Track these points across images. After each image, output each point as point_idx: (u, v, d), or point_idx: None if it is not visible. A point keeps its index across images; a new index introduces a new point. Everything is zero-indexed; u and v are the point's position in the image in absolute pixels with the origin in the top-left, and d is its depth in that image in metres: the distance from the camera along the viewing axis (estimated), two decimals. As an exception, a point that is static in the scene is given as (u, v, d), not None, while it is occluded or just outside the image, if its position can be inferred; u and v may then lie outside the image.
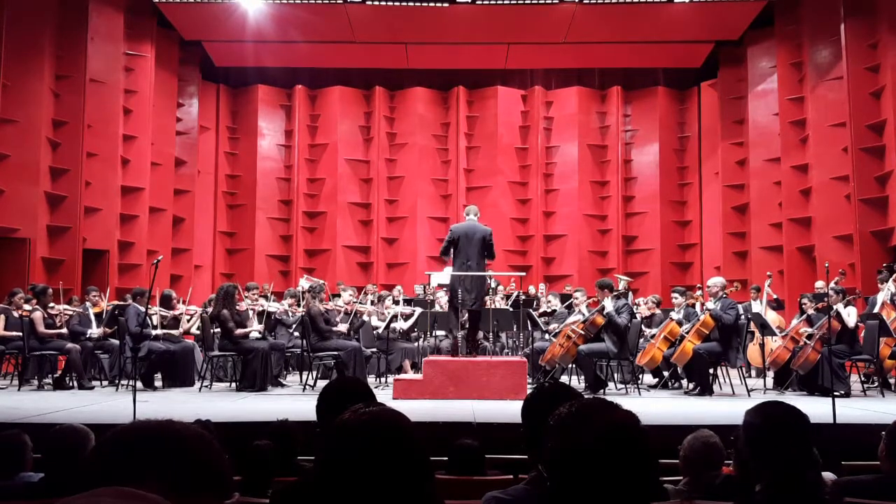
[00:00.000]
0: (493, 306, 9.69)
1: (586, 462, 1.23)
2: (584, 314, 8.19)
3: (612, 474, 1.22)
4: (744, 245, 13.01)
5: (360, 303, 9.87)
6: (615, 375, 8.41)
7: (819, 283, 9.48)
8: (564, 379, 8.23)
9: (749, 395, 7.53)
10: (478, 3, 11.78)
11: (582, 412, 1.31)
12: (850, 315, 7.62)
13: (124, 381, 8.03)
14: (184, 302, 9.33)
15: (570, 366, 8.33)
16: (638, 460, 1.24)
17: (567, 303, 9.58)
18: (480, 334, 8.31)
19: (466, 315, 8.01)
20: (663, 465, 2.91)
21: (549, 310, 9.84)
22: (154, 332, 8.35)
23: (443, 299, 10.11)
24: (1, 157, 10.32)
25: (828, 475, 2.81)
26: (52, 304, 8.43)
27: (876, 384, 7.87)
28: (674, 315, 8.41)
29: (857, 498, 2.39)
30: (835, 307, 7.43)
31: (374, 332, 9.13)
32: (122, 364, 8.24)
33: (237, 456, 2.94)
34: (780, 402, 1.97)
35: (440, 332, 9.70)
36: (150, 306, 8.08)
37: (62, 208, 10.90)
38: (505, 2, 11.72)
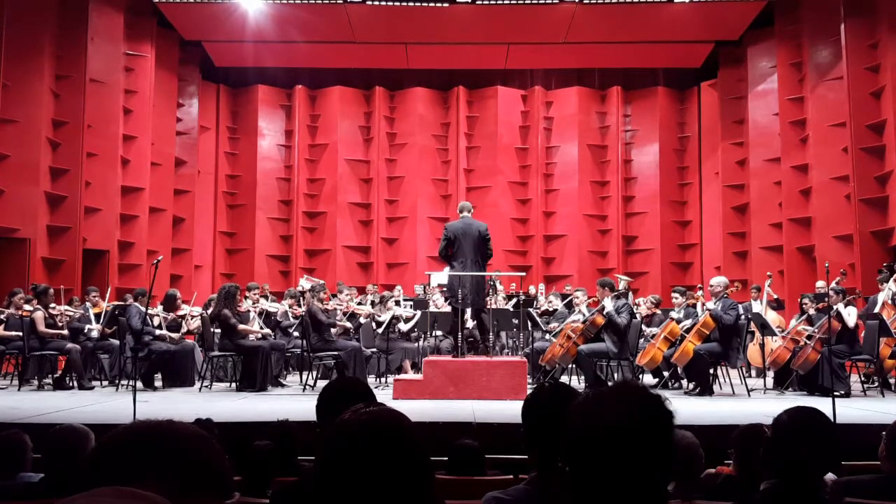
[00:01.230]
0: (493, 306, 9.70)
1: (610, 439, 1.22)
2: (584, 314, 8.19)
3: (635, 451, 1.21)
4: (744, 245, 13.01)
5: (360, 303, 9.88)
6: (615, 375, 8.40)
7: (820, 283, 9.48)
8: (564, 379, 8.23)
9: (749, 396, 7.53)
10: (478, 3, 11.78)
11: (607, 392, 1.31)
12: (851, 315, 7.62)
13: (124, 381, 8.03)
14: (186, 303, 9.33)
15: (570, 366, 8.33)
16: (661, 438, 1.23)
17: (566, 300, 9.58)
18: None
19: (469, 315, 8.00)
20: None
21: (550, 308, 9.84)
22: (157, 332, 8.35)
23: (440, 300, 10.11)
24: (1, 157, 10.32)
25: (828, 475, 2.81)
26: (53, 305, 8.43)
27: (876, 384, 7.87)
28: (674, 314, 8.41)
29: (857, 498, 2.39)
30: (835, 307, 7.43)
31: (375, 331, 9.13)
32: (122, 364, 8.25)
33: (237, 456, 2.94)
34: (814, 408, 2.00)
35: (440, 332, 9.69)
36: (150, 307, 8.08)
37: (62, 208, 10.90)
38: (505, 2, 11.72)
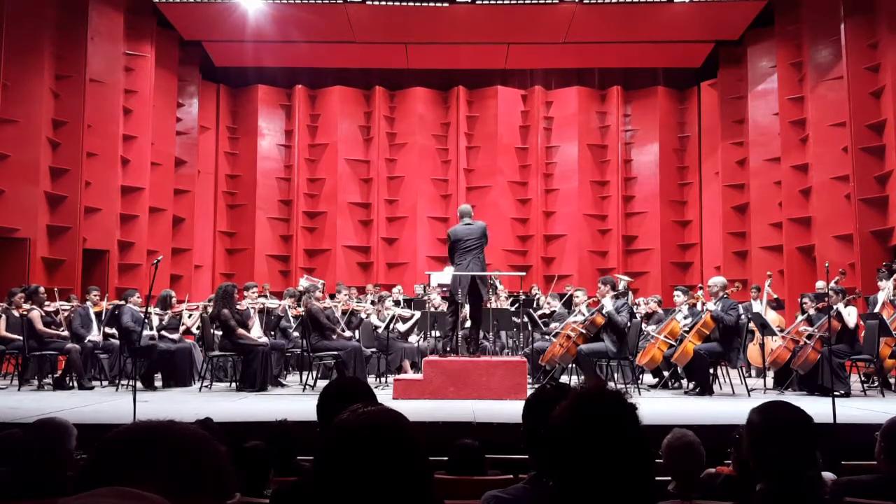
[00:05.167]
0: (494, 305, 9.69)
1: (572, 439, 1.24)
2: (583, 314, 8.19)
3: (600, 449, 1.22)
4: (744, 245, 13.01)
5: (359, 301, 9.89)
6: (615, 375, 8.40)
7: (820, 283, 9.48)
8: (564, 379, 8.23)
9: (749, 395, 7.54)
10: (478, 3, 11.78)
11: (570, 396, 1.33)
12: (851, 315, 7.62)
13: (124, 381, 8.04)
14: (180, 301, 9.33)
15: (570, 366, 8.33)
16: (627, 434, 1.24)
17: (565, 299, 9.58)
18: (481, 334, 8.30)
19: (467, 313, 8.00)
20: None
21: (549, 311, 9.85)
22: (151, 333, 8.35)
23: (437, 299, 10.10)
24: (1, 157, 10.32)
25: (828, 475, 2.81)
26: (47, 302, 8.44)
27: (876, 384, 7.87)
28: (678, 316, 8.40)
29: (857, 498, 2.39)
30: (835, 307, 7.43)
31: (374, 331, 9.13)
32: (122, 364, 8.25)
33: (232, 457, 2.93)
34: (785, 402, 1.97)
35: (440, 332, 9.70)
36: (149, 306, 8.09)
37: (62, 208, 10.90)
38: (505, 2, 11.72)
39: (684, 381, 8.29)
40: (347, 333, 8.54)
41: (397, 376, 7.91)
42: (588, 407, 1.27)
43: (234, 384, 8.09)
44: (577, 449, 1.23)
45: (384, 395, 6.67)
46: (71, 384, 8.16)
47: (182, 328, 9.02)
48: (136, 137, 12.15)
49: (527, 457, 2.04)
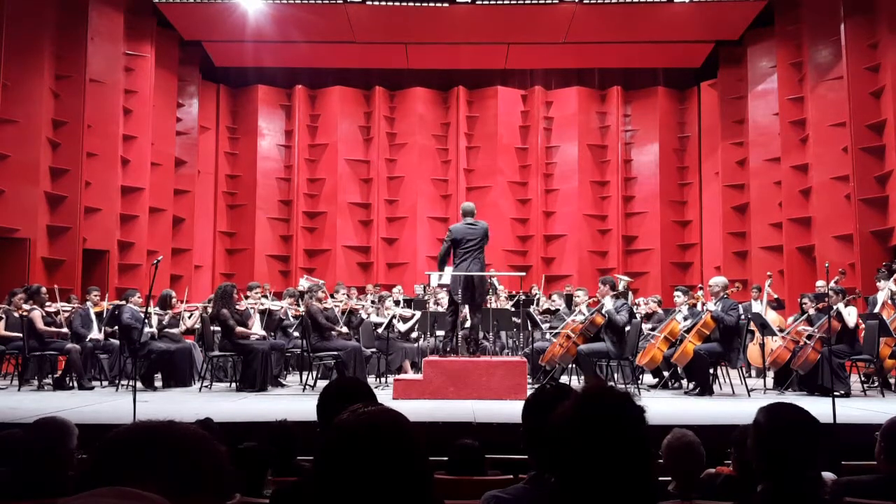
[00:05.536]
0: (494, 305, 9.70)
1: (566, 434, 1.24)
2: (584, 314, 8.19)
3: (602, 450, 1.22)
4: (744, 245, 13.01)
5: (358, 300, 9.88)
6: (615, 375, 8.40)
7: (820, 283, 9.48)
8: (564, 379, 8.23)
9: (749, 396, 7.54)
10: (478, 3, 11.78)
11: (574, 397, 1.33)
12: (851, 315, 7.62)
13: (124, 381, 8.04)
14: (180, 301, 9.34)
15: (570, 366, 8.33)
16: (631, 435, 1.24)
17: (568, 298, 9.58)
18: (481, 334, 8.29)
19: (466, 312, 8.00)
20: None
21: (552, 308, 9.85)
22: (151, 330, 8.35)
23: (444, 299, 10.11)
24: (1, 157, 10.32)
25: (828, 475, 2.82)
26: (48, 303, 8.44)
27: (876, 384, 7.87)
28: (678, 317, 8.40)
29: (857, 498, 2.39)
30: (835, 307, 7.43)
31: (374, 331, 9.13)
32: (122, 364, 8.25)
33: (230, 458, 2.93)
34: (791, 404, 1.97)
35: (440, 332, 9.70)
36: (149, 306, 8.09)
37: (62, 208, 10.90)
38: (505, 2, 11.72)
39: (684, 382, 8.29)
40: (345, 330, 8.54)
41: (397, 376, 7.91)
42: (590, 407, 1.27)
43: (234, 384, 8.09)
44: (579, 448, 1.23)
45: (384, 395, 6.67)
46: (71, 384, 8.16)
47: (182, 328, 9.02)
48: (136, 137, 12.16)
49: (527, 457, 2.04)
